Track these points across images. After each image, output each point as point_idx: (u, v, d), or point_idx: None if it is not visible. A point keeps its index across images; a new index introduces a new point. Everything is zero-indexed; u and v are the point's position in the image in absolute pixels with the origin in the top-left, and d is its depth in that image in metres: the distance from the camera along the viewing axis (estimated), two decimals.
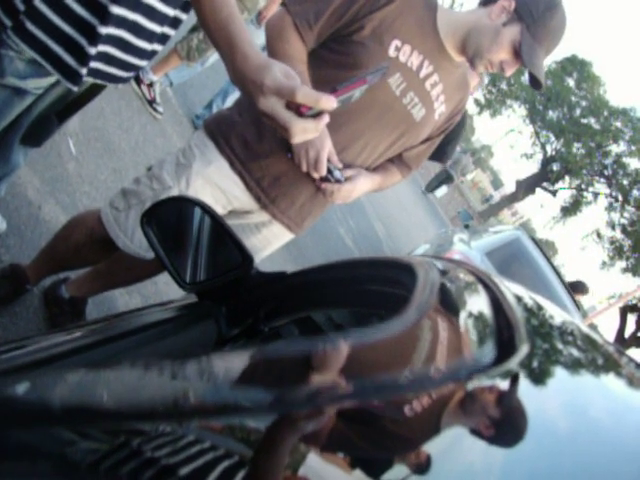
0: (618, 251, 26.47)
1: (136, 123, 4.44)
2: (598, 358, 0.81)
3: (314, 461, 0.44)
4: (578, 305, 7.19)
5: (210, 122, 2.02)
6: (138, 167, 3.98)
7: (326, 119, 1.12)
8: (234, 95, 5.27)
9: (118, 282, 2.50)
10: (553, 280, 6.76)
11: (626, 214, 26.84)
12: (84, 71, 1.31)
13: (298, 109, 1.09)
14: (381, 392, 0.54)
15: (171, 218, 1.41)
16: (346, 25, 1.90)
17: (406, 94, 1.95)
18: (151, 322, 1.29)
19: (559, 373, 0.71)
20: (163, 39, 1.43)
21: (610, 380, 0.76)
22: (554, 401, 0.62)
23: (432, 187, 21.70)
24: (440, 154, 5.48)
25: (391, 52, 1.90)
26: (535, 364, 0.68)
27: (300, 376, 0.59)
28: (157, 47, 1.43)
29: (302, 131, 1.11)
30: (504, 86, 29.35)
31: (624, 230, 26.37)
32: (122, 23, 1.29)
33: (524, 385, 0.63)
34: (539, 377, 0.66)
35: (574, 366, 0.75)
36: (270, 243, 2.15)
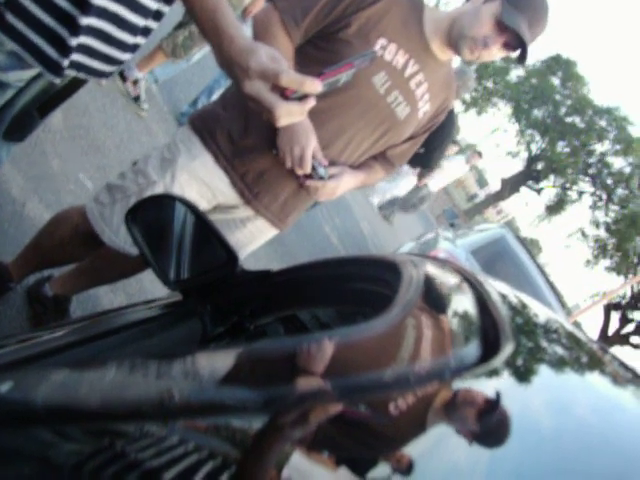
0: (602, 250, 26.59)
1: (121, 121, 4.41)
2: (582, 356, 0.82)
3: (299, 461, 0.44)
4: (562, 303, 7.24)
5: (195, 117, 2.02)
6: (123, 165, 3.95)
7: (312, 102, 1.12)
8: (219, 92, 5.25)
9: (102, 279, 2.49)
10: (537, 278, 6.80)
11: (610, 213, 26.98)
12: (66, 62, 1.30)
13: (283, 92, 1.09)
14: (365, 391, 0.54)
15: (156, 216, 1.40)
16: (333, 23, 1.90)
17: (390, 93, 1.96)
18: (136, 320, 1.29)
19: (544, 371, 0.71)
20: (146, 32, 1.42)
21: (594, 378, 0.76)
22: (539, 399, 0.62)
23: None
24: (426, 160, 5.46)
25: (377, 50, 1.90)
26: (520, 362, 0.68)
27: (285, 376, 0.58)
28: (140, 40, 1.42)
29: (287, 114, 1.11)
30: (490, 84, 29.43)
31: (608, 229, 26.50)
32: (103, 14, 1.28)
33: (509, 383, 0.63)
34: (524, 375, 0.66)
35: (558, 364, 0.75)
36: (255, 238, 2.15)
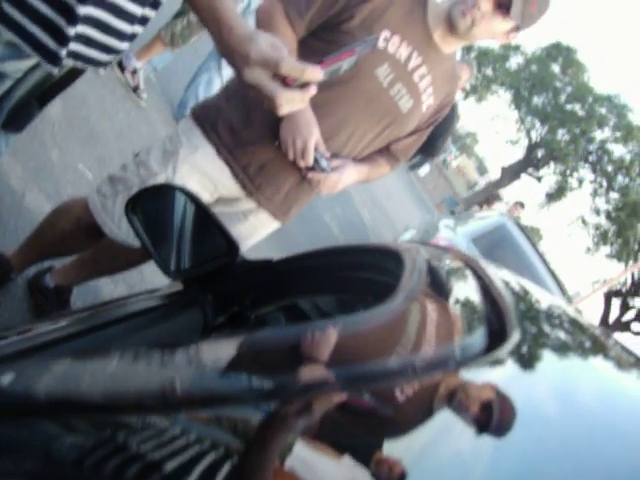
0: (603, 237, 26.55)
1: (120, 110, 4.40)
2: (587, 342, 0.81)
3: (302, 451, 0.43)
4: (563, 291, 7.24)
5: (197, 108, 2.01)
6: (123, 155, 3.94)
7: (313, 90, 1.12)
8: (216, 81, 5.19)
9: (104, 270, 2.48)
10: (539, 266, 6.79)
11: (611, 200, 26.93)
12: (63, 52, 1.29)
13: (284, 80, 1.09)
14: (370, 380, 0.54)
15: (156, 206, 1.40)
16: (336, 14, 1.88)
17: (393, 85, 1.94)
18: (137, 310, 1.29)
19: (550, 360, 0.71)
20: (144, 21, 1.41)
21: (599, 363, 0.75)
22: (546, 388, 0.61)
23: (414, 164, 21.56)
24: (430, 148, 5.47)
25: (380, 43, 1.88)
26: (526, 351, 0.67)
27: (288, 365, 0.58)
28: (138, 29, 1.41)
29: (288, 101, 1.10)
30: (489, 71, 29.31)
31: (609, 216, 26.45)
32: (101, 3, 1.27)
33: (516, 372, 0.63)
34: (530, 364, 0.66)
35: (565, 351, 0.75)
36: (257, 231, 2.14)
